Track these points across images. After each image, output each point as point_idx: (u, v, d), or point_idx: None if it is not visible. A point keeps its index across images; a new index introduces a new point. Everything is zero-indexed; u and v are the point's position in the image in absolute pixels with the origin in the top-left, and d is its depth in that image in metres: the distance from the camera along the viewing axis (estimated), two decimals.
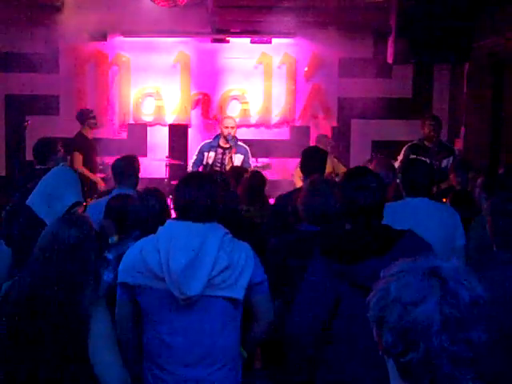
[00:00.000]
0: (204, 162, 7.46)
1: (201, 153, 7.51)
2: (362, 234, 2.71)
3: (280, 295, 3.45)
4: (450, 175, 5.67)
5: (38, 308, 2.49)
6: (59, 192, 3.80)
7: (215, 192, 2.93)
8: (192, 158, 7.71)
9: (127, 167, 5.00)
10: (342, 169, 7.81)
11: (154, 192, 3.78)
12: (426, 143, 6.82)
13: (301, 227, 3.65)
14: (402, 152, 6.93)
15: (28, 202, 3.82)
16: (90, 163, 7.71)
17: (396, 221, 3.81)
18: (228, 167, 7.11)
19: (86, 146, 7.76)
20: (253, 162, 7.72)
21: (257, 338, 3.10)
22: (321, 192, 3.56)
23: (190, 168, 7.65)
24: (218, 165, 7.38)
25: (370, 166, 5.79)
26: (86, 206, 4.54)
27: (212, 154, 7.42)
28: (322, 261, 2.67)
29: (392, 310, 1.39)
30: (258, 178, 5.42)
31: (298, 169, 7.67)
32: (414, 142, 6.96)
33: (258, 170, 7.46)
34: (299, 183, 7.37)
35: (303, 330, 2.70)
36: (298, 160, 7.74)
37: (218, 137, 7.55)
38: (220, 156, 7.41)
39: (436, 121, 6.89)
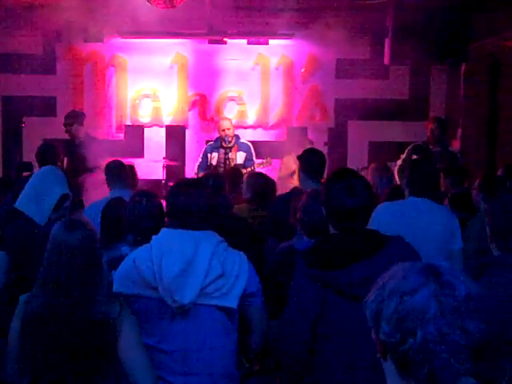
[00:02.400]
0: (208, 164, 7.51)
1: (205, 155, 7.61)
2: (348, 238, 2.60)
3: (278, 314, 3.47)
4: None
5: (57, 320, 2.50)
6: (45, 189, 3.78)
7: (208, 199, 2.89)
8: (197, 161, 7.75)
9: (120, 170, 5.03)
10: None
11: (147, 194, 3.73)
12: (429, 145, 6.79)
13: (297, 244, 3.64)
14: (406, 151, 6.93)
15: (17, 204, 3.81)
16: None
17: (396, 220, 3.83)
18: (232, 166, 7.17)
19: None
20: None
21: (254, 348, 3.10)
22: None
23: (195, 171, 7.69)
24: (222, 165, 7.42)
25: (367, 172, 5.79)
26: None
27: (215, 154, 7.50)
28: (304, 270, 2.59)
29: (389, 301, 1.42)
30: (265, 182, 5.40)
31: (281, 173, 7.75)
32: (419, 143, 6.94)
33: (262, 165, 7.49)
34: (282, 189, 7.40)
35: (292, 342, 2.64)
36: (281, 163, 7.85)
37: (220, 137, 7.59)
38: (223, 156, 7.46)
39: (438, 123, 6.85)
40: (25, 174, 5.56)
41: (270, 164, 7.75)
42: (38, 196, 3.75)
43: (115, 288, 2.85)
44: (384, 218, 3.93)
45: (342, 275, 2.49)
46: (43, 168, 4.31)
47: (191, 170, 8.44)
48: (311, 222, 3.56)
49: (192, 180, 3.24)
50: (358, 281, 2.42)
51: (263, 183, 5.35)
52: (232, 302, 2.79)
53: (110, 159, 5.60)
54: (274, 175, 8.23)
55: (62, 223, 2.64)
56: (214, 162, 7.47)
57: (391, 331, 1.40)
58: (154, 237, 2.87)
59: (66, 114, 8.82)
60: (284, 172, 7.89)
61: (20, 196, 3.86)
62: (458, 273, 1.43)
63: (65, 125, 7.53)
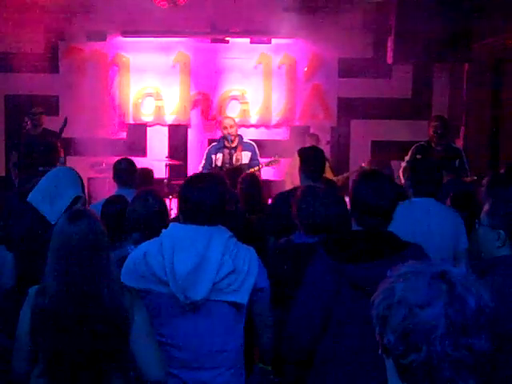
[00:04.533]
0: (213, 165, 7.48)
1: (209, 156, 7.56)
2: (370, 235, 2.68)
3: (280, 303, 3.46)
4: None
5: (70, 311, 2.48)
6: (60, 190, 3.80)
7: (223, 193, 2.88)
8: (201, 163, 7.75)
9: (130, 168, 5.04)
10: (328, 173, 7.74)
11: (151, 193, 3.76)
12: (432, 144, 6.78)
13: (296, 239, 3.64)
14: (409, 153, 6.92)
15: (29, 198, 3.82)
16: None
17: (401, 221, 3.81)
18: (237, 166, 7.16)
19: None
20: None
21: (266, 347, 3.06)
22: (319, 199, 3.59)
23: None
24: (227, 165, 7.39)
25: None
26: None
27: (220, 155, 7.46)
28: (323, 258, 2.66)
29: (397, 310, 1.38)
30: (253, 185, 5.36)
31: (289, 170, 7.74)
32: (421, 142, 6.93)
33: (270, 164, 7.49)
34: (289, 185, 7.38)
35: (302, 327, 2.70)
36: (290, 161, 7.86)
37: (223, 138, 7.58)
38: (228, 156, 7.44)
39: (440, 122, 6.81)
40: (41, 169, 5.58)
41: (278, 162, 7.74)
42: (52, 197, 3.77)
43: (124, 282, 2.83)
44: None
45: (359, 270, 2.55)
46: (57, 169, 4.31)
47: (194, 169, 8.44)
48: (309, 220, 3.58)
49: (205, 175, 3.22)
50: (374, 278, 2.45)
51: (249, 186, 5.32)
52: (242, 298, 2.79)
53: (113, 158, 5.61)
54: (278, 174, 8.28)
55: (65, 215, 2.63)
56: (219, 163, 7.44)
57: (396, 342, 1.37)
58: (164, 231, 2.85)
59: (68, 113, 8.89)
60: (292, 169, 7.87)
61: (34, 191, 3.87)
62: (470, 281, 1.38)
63: (39, 113, 7.69)
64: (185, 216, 2.84)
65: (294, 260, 3.49)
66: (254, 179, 5.52)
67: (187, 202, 2.83)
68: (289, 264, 3.48)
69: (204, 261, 2.72)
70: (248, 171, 6.87)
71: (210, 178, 3.00)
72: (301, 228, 3.63)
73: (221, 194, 2.84)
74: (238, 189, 5.29)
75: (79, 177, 4.01)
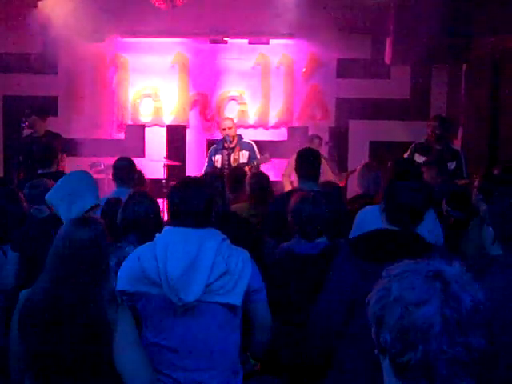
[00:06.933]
0: (214, 166, 7.53)
1: (210, 158, 7.65)
2: (399, 234, 2.76)
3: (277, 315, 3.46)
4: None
5: (57, 315, 2.48)
6: (80, 193, 3.84)
7: (210, 197, 2.92)
8: (204, 165, 7.78)
9: (130, 168, 5.05)
10: (330, 175, 7.71)
11: (143, 194, 3.80)
12: (431, 144, 6.79)
13: (301, 249, 3.70)
14: (408, 150, 6.93)
15: (47, 196, 3.85)
16: None
17: (375, 225, 3.83)
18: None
19: None
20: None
21: (260, 345, 3.10)
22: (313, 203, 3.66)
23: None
24: (226, 166, 7.42)
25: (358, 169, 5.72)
26: None
27: (218, 157, 7.51)
28: (349, 256, 2.73)
29: (393, 309, 1.39)
30: (261, 180, 5.44)
31: (287, 171, 7.75)
32: (421, 141, 6.94)
33: (259, 164, 7.51)
34: (288, 186, 7.40)
35: (325, 319, 2.76)
36: (287, 162, 7.86)
37: (222, 139, 7.61)
38: (226, 157, 7.47)
39: (439, 122, 6.81)
40: (40, 171, 5.62)
41: (269, 160, 7.74)
42: (72, 199, 3.80)
43: (120, 286, 2.85)
44: (369, 221, 3.92)
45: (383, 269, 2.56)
46: (77, 171, 4.35)
47: (192, 170, 8.46)
48: (302, 225, 3.67)
49: (191, 179, 3.26)
50: None
51: (257, 180, 5.39)
52: (236, 299, 2.81)
53: (111, 158, 5.61)
54: (277, 174, 8.27)
55: (71, 222, 2.64)
56: (219, 165, 7.49)
57: (392, 341, 1.39)
58: (157, 235, 2.89)
59: (67, 113, 8.90)
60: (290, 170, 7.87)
61: (53, 190, 3.90)
62: (465, 280, 1.40)
63: (26, 114, 7.46)
64: (174, 219, 2.89)
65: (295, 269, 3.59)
66: (263, 175, 5.60)
67: (172, 206, 2.90)
68: (291, 276, 3.58)
69: (196, 263, 2.74)
70: (245, 169, 6.92)
71: (196, 181, 3.05)
72: (297, 234, 3.72)
73: (206, 198, 2.88)
74: (248, 184, 5.38)
75: (96, 183, 4.06)
